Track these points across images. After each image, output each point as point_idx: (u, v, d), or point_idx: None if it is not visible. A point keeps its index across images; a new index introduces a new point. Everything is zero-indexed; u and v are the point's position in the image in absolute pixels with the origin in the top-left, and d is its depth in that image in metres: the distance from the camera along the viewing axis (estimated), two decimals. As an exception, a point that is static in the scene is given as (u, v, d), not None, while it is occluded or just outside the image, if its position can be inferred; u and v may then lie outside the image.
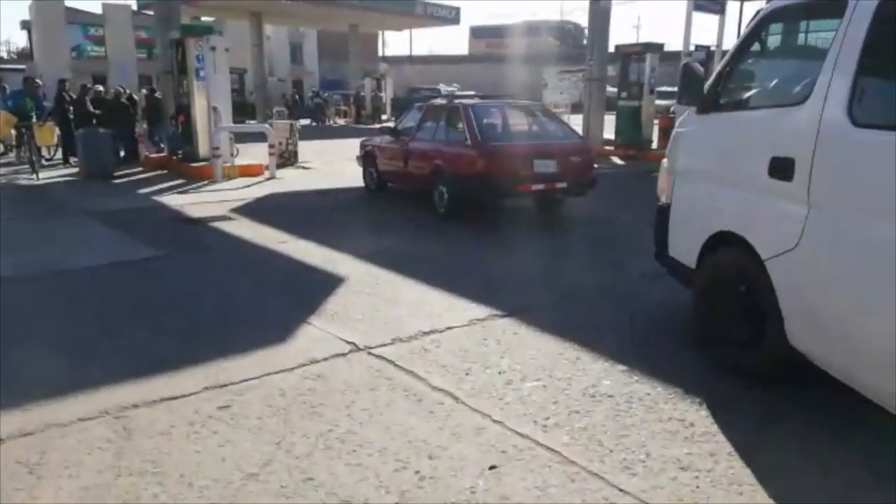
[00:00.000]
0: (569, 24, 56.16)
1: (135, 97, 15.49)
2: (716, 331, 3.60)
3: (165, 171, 12.49)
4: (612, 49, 17.29)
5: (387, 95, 33.31)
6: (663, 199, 4.17)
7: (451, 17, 32.05)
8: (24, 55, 45.26)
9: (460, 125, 7.66)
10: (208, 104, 12.14)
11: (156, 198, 9.65)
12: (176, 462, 2.70)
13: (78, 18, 32.57)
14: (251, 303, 4.84)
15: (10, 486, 2.53)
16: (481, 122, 7.51)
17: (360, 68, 34.02)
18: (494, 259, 6.24)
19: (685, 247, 3.88)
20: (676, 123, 4.19)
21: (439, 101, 8.77)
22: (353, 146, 20.27)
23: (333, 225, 7.87)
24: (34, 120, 12.13)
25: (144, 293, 5.12)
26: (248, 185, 10.85)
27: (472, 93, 14.25)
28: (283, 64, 40.96)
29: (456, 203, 7.70)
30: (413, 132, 8.77)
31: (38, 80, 13.13)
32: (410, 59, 55.53)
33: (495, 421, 3.04)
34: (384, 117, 32.87)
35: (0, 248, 6.25)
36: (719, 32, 20.89)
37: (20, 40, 49.54)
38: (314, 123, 31.28)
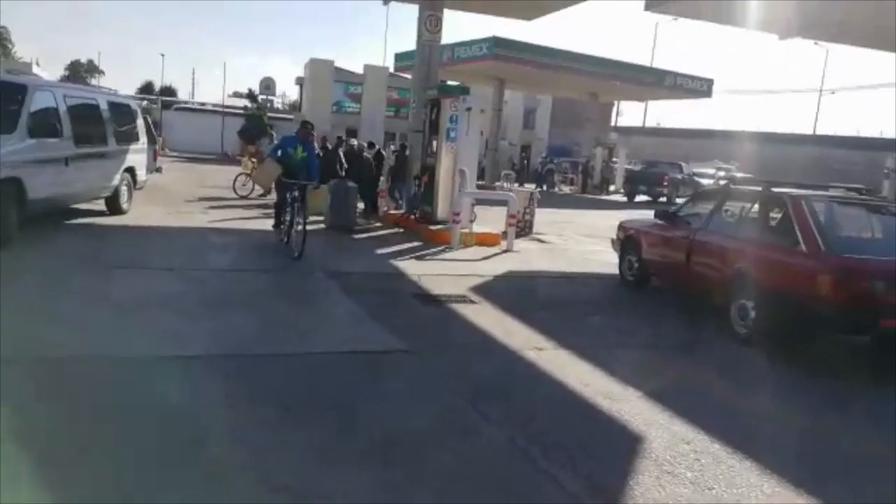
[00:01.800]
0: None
1: (383, 153, 15.72)
2: None
3: (402, 230, 12.11)
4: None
5: (619, 166, 31.65)
6: None
7: (702, 89, 29.64)
8: (293, 107, 51.77)
9: (786, 224, 5.75)
10: (454, 166, 11.57)
11: (393, 262, 9.00)
12: None
13: (342, 77, 35.99)
14: (519, 470, 3.41)
15: None
16: (822, 223, 5.51)
17: (592, 137, 32.90)
18: (866, 435, 4.21)
19: None
20: None
21: (743, 187, 6.91)
22: (585, 218, 19.29)
23: (595, 330, 6.35)
24: (310, 179, 8.80)
25: (385, 411, 4.01)
26: (486, 257, 9.86)
27: (748, 175, 12.03)
28: (515, 128, 41.40)
29: (765, 325, 5.74)
30: (702, 222, 7.02)
31: (312, 126, 9.46)
32: (643, 130, 53.37)
33: None
34: (612, 188, 31.24)
35: (235, 308, 5.74)
36: None
37: (293, 94, 57.01)
38: (541, 189, 30.68)
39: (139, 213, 10.87)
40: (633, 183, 27.54)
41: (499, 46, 23.95)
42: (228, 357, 4.61)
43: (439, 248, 10.27)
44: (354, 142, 15.29)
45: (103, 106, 9.87)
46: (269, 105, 37.83)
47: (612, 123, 47.23)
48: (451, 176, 11.73)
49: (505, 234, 11.29)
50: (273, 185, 10.44)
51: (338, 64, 36.45)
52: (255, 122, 34.08)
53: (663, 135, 53.37)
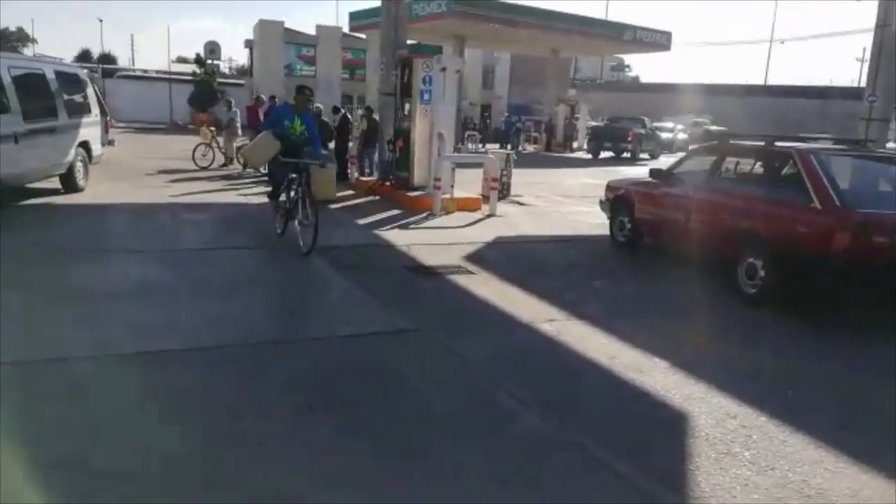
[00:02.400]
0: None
1: (349, 117, 15.07)
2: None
3: (378, 198, 11.68)
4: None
5: (581, 123, 31.49)
6: None
7: (662, 42, 29.46)
8: (243, 72, 49.74)
9: (796, 180, 5.59)
10: (430, 130, 11.14)
11: (378, 232, 8.63)
12: None
13: (294, 39, 34.51)
14: (569, 459, 3.19)
15: None
16: (834, 178, 5.37)
17: (552, 94, 32.58)
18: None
19: None
20: None
21: (744, 143, 6.71)
22: (555, 177, 19.06)
23: (601, 296, 6.16)
24: (314, 157, 7.29)
25: (411, 398, 3.73)
26: (471, 223, 9.56)
27: (722, 128, 11.95)
28: (474, 88, 40.68)
29: (776, 284, 5.63)
30: (701, 179, 6.85)
31: (311, 92, 7.66)
32: (600, 86, 53.33)
33: None
34: (575, 146, 31.11)
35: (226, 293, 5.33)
36: None
37: (241, 58, 54.69)
38: (503, 149, 30.32)
39: (98, 190, 10.16)
40: (597, 139, 27.43)
41: (459, 2, 23.18)
42: (228, 348, 4.24)
43: (421, 216, 9.92)
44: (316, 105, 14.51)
45: (50, 76, 9.06)
46: (216, 70, 36.21)
47: (572, 79, 46.95)
48: (426, 140, 11.31)
49: (486, 197, 11.00)
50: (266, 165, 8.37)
51: (288, 25, 34.93)
52: (204, 88, 32.62)
53: (620, 89, 53.43)
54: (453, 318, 5.20)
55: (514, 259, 7.49)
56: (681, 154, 28.07)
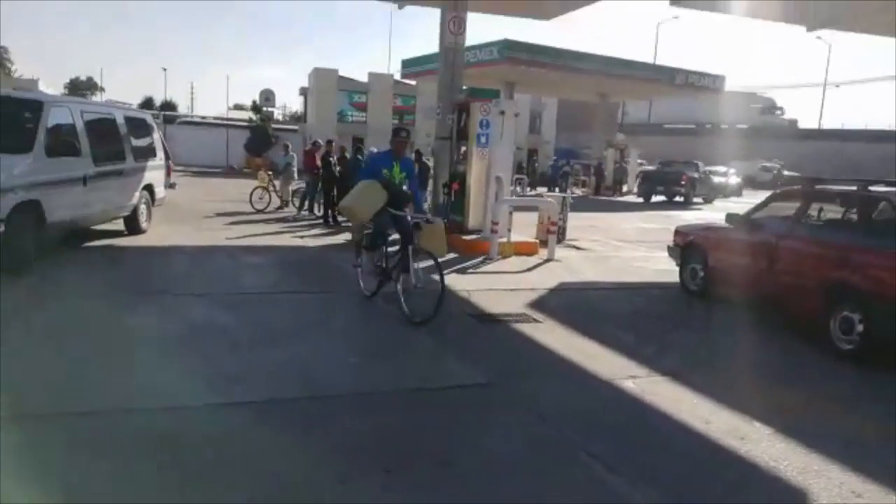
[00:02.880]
0: None
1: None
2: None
3: (432, 242, 11.52)
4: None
5: (631, 166, 31.13)
6: None
7: (714, 86, 29.08)
8: (297, 118, 51.31)
9: (896, 227, 5.18)
10: (486, 173, 11.02)
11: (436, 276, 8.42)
12: None
13: (347, 86, 35.40)
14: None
15: None
16: (943, 225, 4.94)
17: (598, 138, 32.41)
18: None
19: None
20: None
21: (832, 187, 6.30)
22: (609, 221, 18.61)
23: (683, 351, 5.75)
24: (419, 210, 6.73)
25: (491, 462, 3.43)
26: (529, 269, 9.28)
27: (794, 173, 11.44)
28: (521, 133, 40.80)
29: (876, 339, 5.16)
30: (785, 226, 6.44)
31: (407, 134, 6.80)
32: (648, 128, 52.88)
33: None
34: (625, 189, 30.69)
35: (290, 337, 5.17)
36: None
37: (294, 104, 56.55)
38: (553, 192, 30.10)
39: (159, 231, 10.31)
40: (649, 183, 26.98)
41: (511, 49, 23.41)
42: (296, 401, 4.03)
43: (478, 260, 9.71)
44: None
45: (120, 121, 9.32)
46: (271, 116, 37.34)
47: (619, 122, 46.72)
48: (482, 183, 11.19)
49: (543, 242, 10.74)
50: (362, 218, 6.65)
51: (342, 73, 35.91)
52: (260, 133, 33.64)
53: (668, 133, 52.84)
54: (523, 372, 4.89)
55: (581, 307, 7.15)
56: (736, 198, 27.37)
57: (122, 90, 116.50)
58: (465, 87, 13.17)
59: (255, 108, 35.98)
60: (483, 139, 11.15)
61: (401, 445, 3.53)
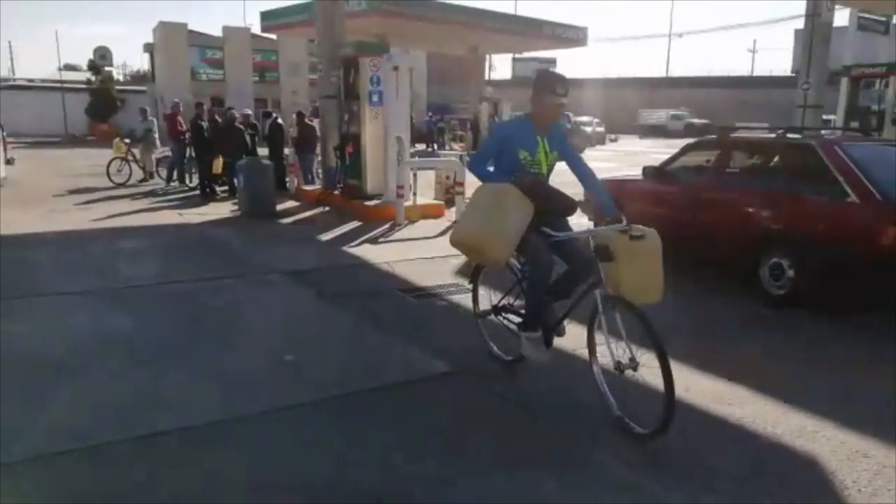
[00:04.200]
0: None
1: (280, 122, 13.80)
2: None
3: (328, 209, 10.77)
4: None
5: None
6: None
7: (578, 38, 29.78)
8: (138, 78, 46.55)
9: (821, 173, 5.27)
10: (383, 133, 10.35)
11: (346, 249, 7.78)
12: None
13: (198, 41, 32.41)
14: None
15: None
16: (867, 169, 5.08)
17: (469, 93, 32.45)
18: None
19: None
20: None
21: (749, 136, 6.38)
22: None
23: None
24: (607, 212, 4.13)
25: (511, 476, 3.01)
26: (442, 233, 8.86)
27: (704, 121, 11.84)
28: (392, 87, 39.86)
29: (808, 284, 5.30)
30: (704, 177, 6.48)
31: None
32: (513, 82, 53.71)
33: None
34: (501, 142, 30.99)
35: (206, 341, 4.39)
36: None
37: (135, 63, 51.09)
38: (428, 149, 29.74)
39: (4, 218, 8.69)
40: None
41: (381, 0, 22.34)
42: (235, 422, 3.36)
43: (385, 227, 9.14)
44: (236, 113, 12.98)
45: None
46: (111, 76, 33.47)
47: (486, 78, 46.98)
48: (378, 144, 10.52)
49: (448, 202, 10.37)
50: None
51: (191, 27, 32.76)
52: (102, 96, 30.07)
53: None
54: (485, 355, 4.49)
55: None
56: (601, 146, 28.50)
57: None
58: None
59: (94, 67, 31.99)
60: (375, 97, 10.44)
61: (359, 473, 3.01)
